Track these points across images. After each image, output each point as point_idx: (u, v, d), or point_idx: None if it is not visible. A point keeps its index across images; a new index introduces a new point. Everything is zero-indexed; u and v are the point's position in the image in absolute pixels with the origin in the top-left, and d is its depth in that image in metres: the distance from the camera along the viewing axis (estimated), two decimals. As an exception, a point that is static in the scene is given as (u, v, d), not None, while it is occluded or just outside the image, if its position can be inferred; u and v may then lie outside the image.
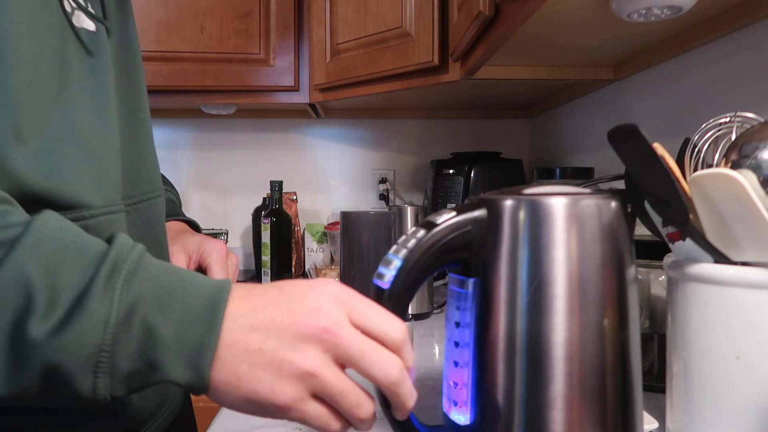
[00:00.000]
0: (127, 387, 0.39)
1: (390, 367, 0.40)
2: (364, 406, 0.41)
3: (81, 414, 0.55)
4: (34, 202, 0.44)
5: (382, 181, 1.92)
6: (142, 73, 0.65)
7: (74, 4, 0.55)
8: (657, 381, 0.68)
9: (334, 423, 0.41)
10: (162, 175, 0.70)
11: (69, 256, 0.39)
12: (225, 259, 0.76)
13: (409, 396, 0.42)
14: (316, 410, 0.40)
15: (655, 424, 0.59)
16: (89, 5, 0.57)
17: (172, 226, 0.79)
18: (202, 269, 0.74)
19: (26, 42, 0.48)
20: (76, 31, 0.54)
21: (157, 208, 0.65)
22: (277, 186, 1.55)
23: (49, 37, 0.51)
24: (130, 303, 0.38)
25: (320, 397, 0.40)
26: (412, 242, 0.42)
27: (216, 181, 1.93)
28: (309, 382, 0.39)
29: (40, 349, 0.36)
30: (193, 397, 0.82)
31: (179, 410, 0.73)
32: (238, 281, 0.55)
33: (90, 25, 0.56)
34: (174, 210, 0.83)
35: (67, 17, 0.54)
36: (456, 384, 0.45)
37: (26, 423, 0.53)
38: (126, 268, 0.39)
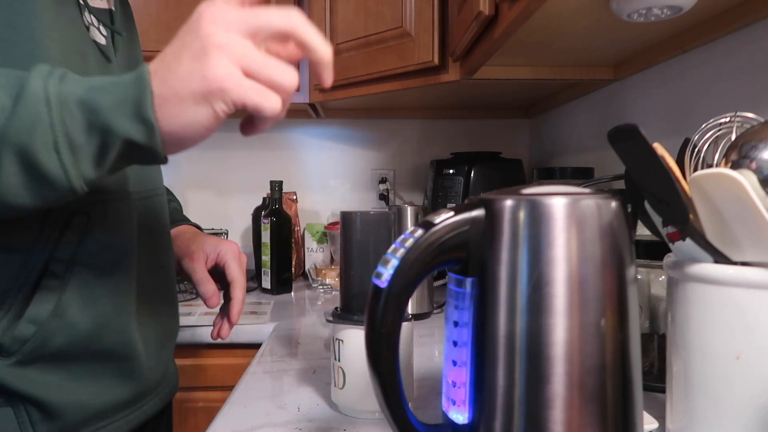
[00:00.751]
0: (93, 162, 0.46)
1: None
2: (288, 71, 0.47)
3: (96, 375, 0.62)
4: None
5: (382, 181, 1.92)
6: None
7: (90, 18, 0.63)
8: (657, 381, 0.67)
9: (272, 95, 0.46)
10: (165, 186, 0.81)
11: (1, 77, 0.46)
12: (239, 258, 0.83)
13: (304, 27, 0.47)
14: (252, 84, 0.45)
15: (655, 424, 0.59)
16: (101, 19, 0.65)
17: (186, 230, 0.86)
18: (218, 268, 0.82)
19: (56, 45, 0.56)
20: (94, 41, 0.63)
21: (160, 204, 0.75)
22: (277, 186, 1.54)
23: (74, 43, 0.60)
24: (64, 92, 0.45)
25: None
26: (409, 242, 0.42)
27: (216, 181, 1.93)
28: (229, 52, 0.44)
29: (3, 136, 0.43)
30: (194, 396, 0.85)
31: (174, 395, 0.81)
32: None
33: (101, 39, 0.65)
34: (182, 216, 0.92)
35: (87, 28, 0.63)
36: (454, 383, 0.45)
37: (46, 383, 0.58)
38: (57, 74, 0.46)
